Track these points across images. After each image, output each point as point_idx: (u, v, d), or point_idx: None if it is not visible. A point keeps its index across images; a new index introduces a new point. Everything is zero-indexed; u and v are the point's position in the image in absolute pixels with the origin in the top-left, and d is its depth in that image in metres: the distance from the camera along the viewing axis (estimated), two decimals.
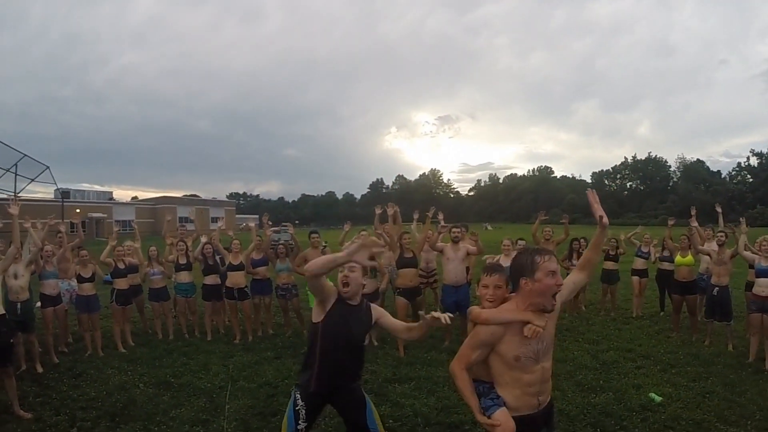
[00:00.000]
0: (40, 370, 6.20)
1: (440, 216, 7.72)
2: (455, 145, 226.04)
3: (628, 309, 9.50)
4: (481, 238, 7.91)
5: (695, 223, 7.37)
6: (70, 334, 7.68)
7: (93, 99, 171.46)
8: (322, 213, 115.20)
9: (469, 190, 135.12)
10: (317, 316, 3.12)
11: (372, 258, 2.77)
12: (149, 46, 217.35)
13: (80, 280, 6.96)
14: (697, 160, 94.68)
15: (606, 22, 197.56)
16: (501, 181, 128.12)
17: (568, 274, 8.34)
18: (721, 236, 7.02)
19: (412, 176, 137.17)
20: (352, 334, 3.09)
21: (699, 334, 7.40)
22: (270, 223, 8.80)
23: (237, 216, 71.73)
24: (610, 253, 9.39)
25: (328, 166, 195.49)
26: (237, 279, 7.76)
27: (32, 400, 5.25)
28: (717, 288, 6.85)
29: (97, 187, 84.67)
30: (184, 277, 7.90)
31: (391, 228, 7.69)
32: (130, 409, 5.00)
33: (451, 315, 2.73)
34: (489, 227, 62.43)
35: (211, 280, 7.90)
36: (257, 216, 39.94)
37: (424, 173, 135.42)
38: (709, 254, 7.26)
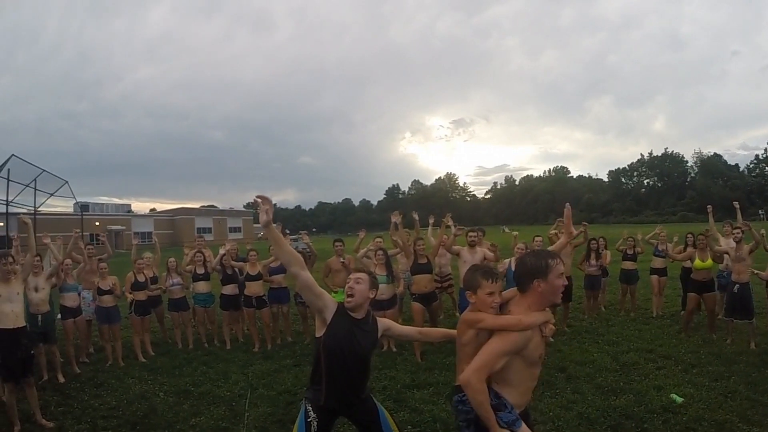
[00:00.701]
0: (62, 380, 6.32)
1: (448, 219, 7.67)
2: (470, 148, 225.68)
3: (648, 309, 9.38)
4: (498, 240, 7.89)
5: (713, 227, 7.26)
6: (91, 344, 7.80)
7: (108, 113, 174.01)
8: (338, 220, 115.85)
9: (486, 193, 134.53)
10: (319, 330, 3.02)
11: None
12: (162, 59, 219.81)
13: (100, 292, 7.07)
14: (714, 154, 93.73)
15: (615, 18, 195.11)
16: (517, 182, 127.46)
17: (586, 274, 8.23)
18: (738, 233, 6.92)
19: (428, 181, 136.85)
20: (357, 348, 2.94)
21: (719, 332, 7.29)
22: (288, 231, 8.87)
23: (254, 225, 72.18)
24: (628, 252, 9.30)
25: (344, 172, 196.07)
26: (255, 288, 7.81)
27: (54, 409, 5.34)
28: (737, 285, 6.75)
29: (116, 200, 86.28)
30: (202, 287, 7.97)
31: (404, 234, 7.70)
32: (151, 417, 5.07)
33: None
34: (506, 230, 61.98)
35: (230, 289, 7.96)
36: (275, 225, 40.12)
37: (440, 177, 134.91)
38: (727, 252, 7.15)
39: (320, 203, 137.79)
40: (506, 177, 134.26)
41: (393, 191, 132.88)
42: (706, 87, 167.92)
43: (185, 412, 5.20)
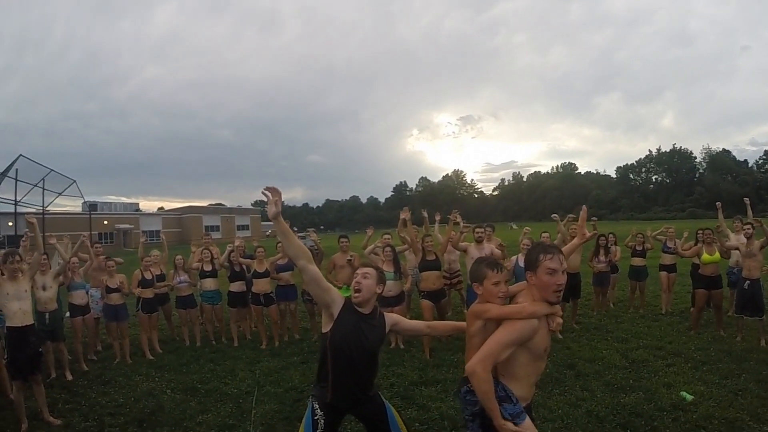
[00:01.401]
0: (69, 377, 6.35)
1: (455, 215, 7.65)
2: (478, 145, 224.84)
3: (657, 305, 9.31)
4: (505, 237, 7.86)
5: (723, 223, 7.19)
6: (99, 342, 7.83)
7: (117, 113, 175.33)
8: (346, 217, 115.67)
9: (493, 190, 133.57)
10: (326, 325, 2.98)
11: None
12: (169, 59, 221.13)
13: (108, 290, 7.09)
14: (723, 150, 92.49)
15: (623, 13, 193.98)
16: (525, 179, 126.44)
17: (595, 271, 8.17)
18: (749, 228, 6.84)
19: (436, 178, 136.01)
20: (365, 343, 2.91)
21: (729, 329, 7.23)
22: (296, 229, 8.86)
23: (262, 223, 72.42)
24: (637, 248, 9.23)
25: (352, 170, 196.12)
26: (262, 285, 7.82)
27: (62, 406, 5.37)
28: (748, 282, 6.68)
29: (124, 199, 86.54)
30: (209, 284, 7.99)
31: (412, 231, 7.67)
32: (158, 414, 5.08)
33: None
34: (514, 226, 61.99)
35: (237, 287, 7.96)
36: None
37: (448, 174, 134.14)
38: (737, 248, 7.08)
39: (328, 201, 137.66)
40: (514, 174, 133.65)
41: (400, 188, 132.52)
42: (715, 83, 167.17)
43: (192, 409, 5.21)
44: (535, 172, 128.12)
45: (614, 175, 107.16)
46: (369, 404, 3.09)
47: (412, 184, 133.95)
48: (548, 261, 2.47)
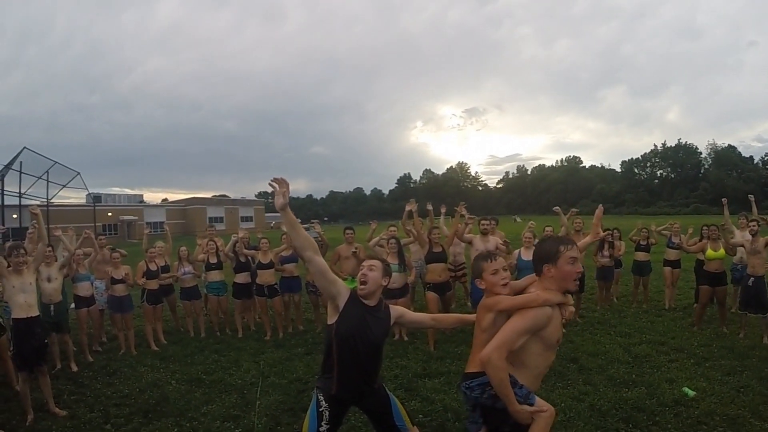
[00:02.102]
0: (75, 368, 6.39)
1: (461, 208, 7.65)
2: (482, 137, 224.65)
3: (661, 301, 9.30)
4: (510, 230, 7.87)
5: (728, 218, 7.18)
6: (104, 333, 7.87)
7: (120, 105, 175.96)
8: (350, 209, 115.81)
9: (498, 183, 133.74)
10: (331, 317, 2.99)
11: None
12: (172, 51, 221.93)
13: (113, 281, 7.12)
14: (729, 145, 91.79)
15: (630, 6, 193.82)
16: (529, 172, 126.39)
17: (598, 265, 8.18)
18: (754, 225, 6.82)
19: (440, 170, 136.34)
20: (370, 335, 2.91)
21: (731, 326, 7.24)
22: (299, 220, 8.84)
23: (266, 215, 72.46)
24: (641, 243, 9.21)
25: (355, 162, 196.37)
26: (267, 277, 7.83)
27: (67, 398, 5.40)
28: (752, 279, 6.66)
29: (128, 191, 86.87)
30: (215, 276, 8.01)
31: (418, 223, 7.68)
32: (163, 405, 5.11)
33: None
34: (518, 219, 62.00)
35: (242, 278, 7.99)
36: None
37: (452, 167, 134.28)
38: (742, 245, 7.07)
39: (332, 192, 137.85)
40: (518, 166, 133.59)
41: (404, 180, 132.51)
42: (722, 77, 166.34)
43: (197, 400, 5.24)
44: (540, 165, 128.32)
45: (619, 170, 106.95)
46: (373, 397, 3.10)
47: (416, 176, 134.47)
48: (569, 251, 2.55)
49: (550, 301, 2.50)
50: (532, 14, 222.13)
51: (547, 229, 8.31)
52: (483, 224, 7.26)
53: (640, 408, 4.61)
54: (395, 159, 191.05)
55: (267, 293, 7.81)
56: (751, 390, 4.96)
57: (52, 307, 6.14)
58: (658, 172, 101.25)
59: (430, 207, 7.94)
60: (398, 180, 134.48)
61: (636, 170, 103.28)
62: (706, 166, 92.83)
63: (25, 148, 28.95)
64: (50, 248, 6.09)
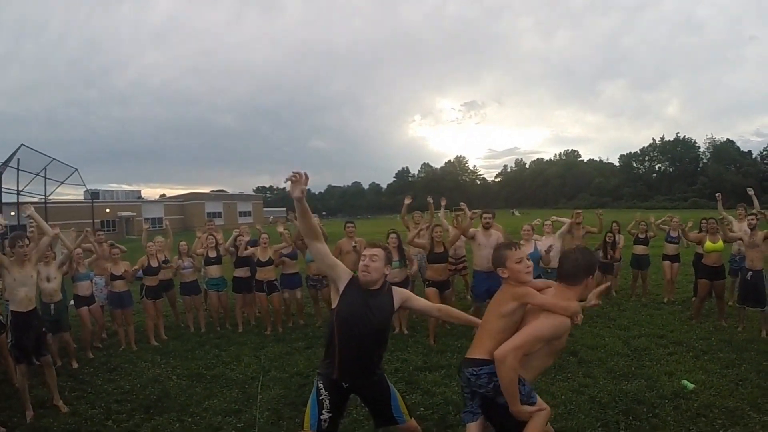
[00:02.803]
0: (75, 365, 6.38)
1: (463, 206, 7.67)
2: (481, 130, 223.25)
3: (659, 294, 9.34)
4: (507, 224, 7.89)
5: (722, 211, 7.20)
6: (104, 329, 7.87)
7: (117, 100, 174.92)
8: (348, 203, 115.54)
9: (496, 176, 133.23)
10: (334, 301, 3.01)
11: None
12: (170, 45, 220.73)
13: (113, 277, 7.11)
14: (727, 140, 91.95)
15: None
16: (527, 166, 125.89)
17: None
18: (753, 219, 6.84)
19: (438, 164, 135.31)
20: (371, 318, 2.90)
21: (730, 319, 7.27)
22: (296, 216, 8.82)
23: (264, 209, 72.31)
24: (640, 236, 9.23)
25: (354, 156, 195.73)
26: (266, 273, 7.83)
27: (68, 394, 5.38)
28: (751, 272, 6.69)
29: (126, 187, 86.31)
30: (214, 271, 8.01)
31: (419, 217, 7.69)
32: (164, 401, 5.12)
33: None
34: (517, 213, 62.09)
35: (242, 272, 8.00)
36: (284, 209, 40.08)
37: (450, 160, 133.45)
38: (741, 239, 7.08)
39: (330, 187, 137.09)
40: (516, 160, 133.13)
41: (403, 174, 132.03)
42: (722, 71, 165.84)
43: (198, 395, 5.26)
44: (538, 159, 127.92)
45: (617, 163, 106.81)
46: (375, 387, 3.11)
47: (415, 170, 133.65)
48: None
49: (576, 313, 2.52)
50: (531, 6, 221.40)
51: (546, 223, 8.33)
52: (485, 217, 7.24)
53: (639, 400, 4.64)
54: (394, 153, 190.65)
55: (266, 289, 7.81)
56: (750, 383, 4.99)
57: (52, 306, 6.11)
58: (657, 166, 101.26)
59: (430, 200, 7.92)
60: (396, 174, 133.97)
61: (634, 164, 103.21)
62: (704, 161, 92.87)
63: (22, 145, 28.78)
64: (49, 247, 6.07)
